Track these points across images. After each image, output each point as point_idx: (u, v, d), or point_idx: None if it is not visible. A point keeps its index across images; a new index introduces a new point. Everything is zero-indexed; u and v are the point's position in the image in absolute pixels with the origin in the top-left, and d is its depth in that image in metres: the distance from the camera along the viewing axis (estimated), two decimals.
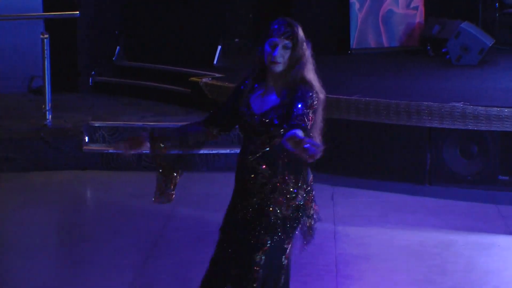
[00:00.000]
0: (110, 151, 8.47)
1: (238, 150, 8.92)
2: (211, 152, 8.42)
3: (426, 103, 7.52)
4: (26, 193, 7.73)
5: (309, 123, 3.84)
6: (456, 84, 8.85)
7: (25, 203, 7.41)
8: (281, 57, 3.95)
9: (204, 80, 9.36)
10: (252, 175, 4.05)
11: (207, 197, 7.55)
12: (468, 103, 7.45)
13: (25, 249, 6.27)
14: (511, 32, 11.33)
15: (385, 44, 11.15)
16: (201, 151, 8.38)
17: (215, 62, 10.51)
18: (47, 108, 8.64)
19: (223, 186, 7.90)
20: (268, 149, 4.00)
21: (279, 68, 3.96)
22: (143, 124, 8.82)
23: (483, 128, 7.37)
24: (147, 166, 8.35)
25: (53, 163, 8.40)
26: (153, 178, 8.34)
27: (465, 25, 10.14)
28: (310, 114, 3.87)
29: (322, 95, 3.98)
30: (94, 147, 8.59)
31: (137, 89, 10.36)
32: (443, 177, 7.58)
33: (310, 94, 3.91)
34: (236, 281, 4.02)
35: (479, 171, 7.51)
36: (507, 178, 7.45)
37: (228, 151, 8.40)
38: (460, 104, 7.43)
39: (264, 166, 4.03)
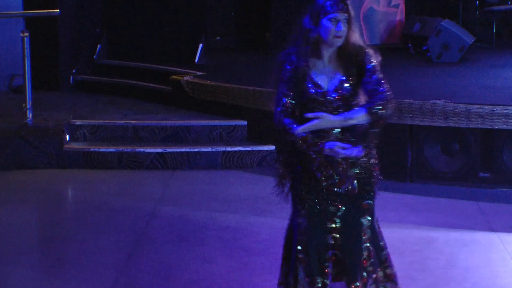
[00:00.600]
0: (91, 149, 8.46)
1: (220, 149, 8.93)
2: (193, 150, 8.41)
3: (407, 100, 7.55)
4: (7, 192, 7.70)
5: (384, 86, 4.16)
6: (437, 81, 8.88)
7: (5, 202, 7.38)
8: (343, 31, 4.13)
9: (185, 78, 9.35)
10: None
11: (189, 195, 7.55)
12: (449, 101, 7.48)
13: (5, 248, 6.25)
14: (492, 30, 11.39)
15: (367, 41, 11.14)
16: (183, 149, 8.43)
17: (196, 60, 10.51)
18: (27, 107, 8.60)
19: (205, 184, 7.92)
20: None
21: (341, 42, 4.15)
22: (124, 122, 8.81)
23: (463, 126, 7.40)
24: (129, 165, 8.36)
25: (34, 161, 8.38)
26: (132, 177, 8.33)
27: (446, 23, 10.18)
28: (379, 75, 4.16)
29: (378, 57, 4.24)
30: (75, 145, 8.56)
31: (119, 87, 10.34)
32: (424, 174, 7.61)
33: (371, 59, 4.18)
34: (346, 246, 4.25)
35: (460, 168, 7.54)
36: (487, 175, 7.49)
37: (209, 149, 8.40)
38: (441, 102, 7.46)
39: (345, 135, 4.21)
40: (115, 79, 10.45)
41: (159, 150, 8.41)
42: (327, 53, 4.19)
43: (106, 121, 8.86)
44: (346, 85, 4.18)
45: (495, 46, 11.25)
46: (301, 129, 4.13)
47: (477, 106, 7.35)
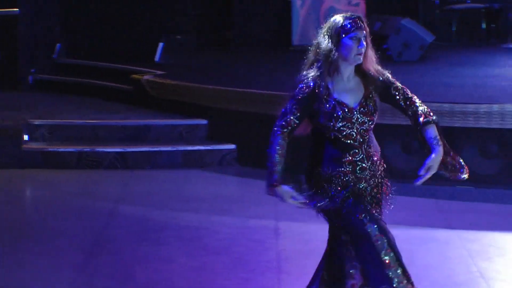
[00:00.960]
0: (50, 149, 8.38)
1: (181, 148, 8.87)
2: (153, 149, 8.37)
3: None
4: None
5: (410, 93, 4.38)
6: (397, 79, 8.90)
7: None
8: (365, 48, 4.21)
9: (146, 77, 9.31)
10: (368, 160, 4.32)
11: (149, 195, 7.51)
12: None
13: None
14: (451, 28, 11.47)
15: None
16: (143, 149, 8.39)
17: (157, 59, 10.47)
18: None
19: (165, 183, 7.89)
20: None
21: (361, 59, 4.22)
22: (84, 122, 8.75)
23: None
24: (88, 165, 8.30)
25: None
26: (92, 177, 8.26)
27: (406, 21, 10.23)
28: (400, 86, 4.38)
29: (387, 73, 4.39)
30: (34, 145, 8.49)
31: (78, 86, 10.27)
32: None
33: (388, 75, 4.35)
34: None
35: (419, 166, 7.55)
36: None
37: (170, 148, 8.37)
38: None
39: (371, 148, 4.34)
40: (74, 79, 10.38)
41: (119, 149, 8.36)
42: (346, 71, 4.24)
43: (65, 120, 8.80)
44: (368, 100, 4.25)
45: (455, 44, 11.33)
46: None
47: (436, 104, 7.39)
